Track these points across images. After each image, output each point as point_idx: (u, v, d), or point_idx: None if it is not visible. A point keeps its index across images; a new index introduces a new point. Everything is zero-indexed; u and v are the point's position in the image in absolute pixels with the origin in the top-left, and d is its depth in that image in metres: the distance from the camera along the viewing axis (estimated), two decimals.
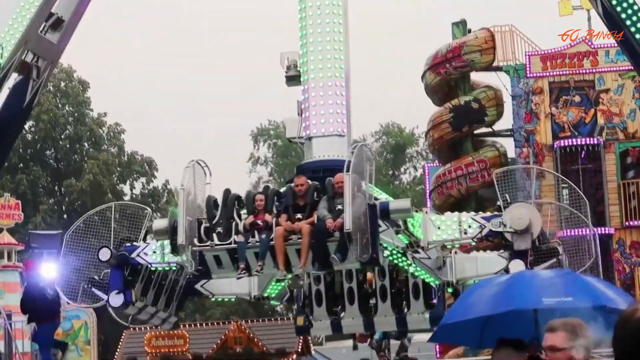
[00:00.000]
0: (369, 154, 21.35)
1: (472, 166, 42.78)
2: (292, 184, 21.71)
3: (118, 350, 53.86)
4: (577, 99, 43.88)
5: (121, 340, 55.55)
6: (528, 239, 21.24)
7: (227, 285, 25.33)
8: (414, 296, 22.80)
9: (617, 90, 43.37)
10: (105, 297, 22.27)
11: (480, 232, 21.86)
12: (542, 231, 22.12)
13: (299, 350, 51.02)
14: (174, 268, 23.25)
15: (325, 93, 22.27)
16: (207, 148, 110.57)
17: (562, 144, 42.77)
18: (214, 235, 20.80)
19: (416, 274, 23.05)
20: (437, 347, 41.41)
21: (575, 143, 42.77)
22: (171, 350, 52.18)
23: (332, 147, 22.07)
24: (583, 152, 42.82)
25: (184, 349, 51.76)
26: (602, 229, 39.94)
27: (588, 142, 42.87)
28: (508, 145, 45.35)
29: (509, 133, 45.43)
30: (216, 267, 21.07)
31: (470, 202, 42.03)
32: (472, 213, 23.51)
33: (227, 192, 21.75)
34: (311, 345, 49.91)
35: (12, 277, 50.60)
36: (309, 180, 21.12)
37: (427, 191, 47.20)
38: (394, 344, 38.89)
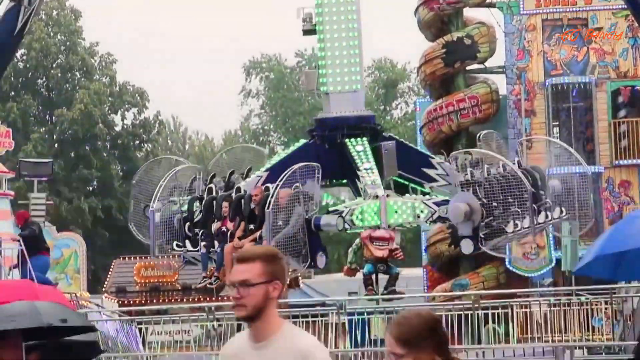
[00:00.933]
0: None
1: (464, 102, 42.82)
2: (250, 193, 23.37)
3: (107, 279, 54.01)
4: (569, 37, 43.90)
5: (110, 269, 55.69)
6: (469, 226, 22.27)
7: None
8: None
9: (611, 29, 43.38)
10: None
11: (432, 216, 23.63)
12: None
13: (287, 284, 51.30)
14: None
15: (341, 52, 23.08)
16: (200, 82, 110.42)
17: (554, 82, 42.82)
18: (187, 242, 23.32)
19: None
20: (425, 281, 41.70)
21: (567, 81, 42.82)
22: (160, 280, 52.27)
23: (348, 103, 23.01)
24: (574, 90, 42.88)
25: (173, 280, 51.92)
26: (592, 167, 40.15)
27: (580, 80, 42.93)
28: (500, 82, 45.41)
29: (501, 70, 45.46)
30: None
31: (461, 138, 42.23)
32: (426, 197, 24.58)
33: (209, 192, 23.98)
34: (300, 279, 50.19)
35: (3, 205, 50.61)
36: (263, 190, 22.85)
37: (418, 127, 47.26)
38: (382, 278, 39.06)
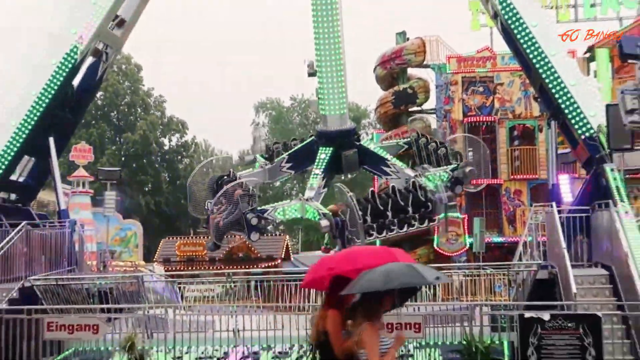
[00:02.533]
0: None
1: (406, 133, 42.85)
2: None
3: (157, 252, 53.84)
4: (480, 89, 43.93)
5: (159, 245, 55.47)
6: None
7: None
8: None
9: (509, 84, 43.44)
10: None
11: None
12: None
13: (282, 257, 51.04)
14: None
15: (333, 88, 22.99)
16: (223, 117, 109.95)
17: (469, 120, 43.05)
18: None
19: None
20: None
21: (478, 120, 43.04)
22: (193, 253, 52.18)
23: (338, 122, 23.08)
24: (484, 127, 43.06)
25: (203, 253, 51.68)
26: (495, 180, 40.36)
27: (487, 120, 43.16)
28: (432, 120, 45.56)
29: (433, 111, 45.77)
30: None
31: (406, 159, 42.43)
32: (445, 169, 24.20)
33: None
34: (291, 253, 49.91)
35: (84, 199, 50.94)
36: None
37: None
38: None
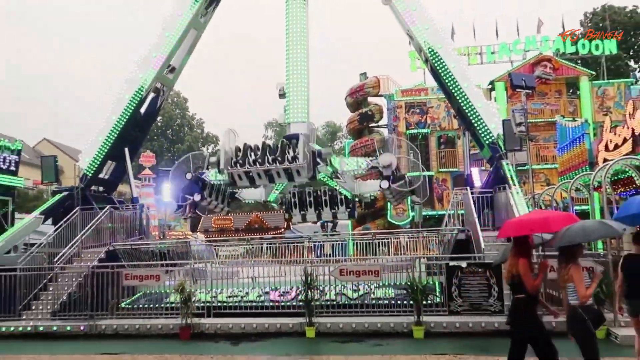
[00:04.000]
0: (313, 131, 22.04)
1: (368, 142, 42.81)
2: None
3: (199, 225, 53.67)
4: (417, 111, 43.83)
5: (200, 221, 55.30)
6: (389, 170, 20.98)
7: (250, 195, 24.94)
8: (340, 203, 22.17)
9: (437, 107, 43.38)
10: (191, 197, 21.94)
11: (367, 166, 21.73)
12: (397, 167, 21.86)
13: (285, 227, 50.99)
14: (221, 182, 22.77)
15: (298, 105, 22.18)
16: (241, 134, 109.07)
17: (410, 132, 42.91)
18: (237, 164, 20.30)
19: (341, 191, 22.65)
20: (350, 226, 41.43)
21: (416, 131, 42.93)
22: (224, 225, 52.17)
23: (299, 128, 21.51)
24: (420, 136, 42.95)
25: (230, 225, 51.70)
26: (428, 172, 40.28)
27: (423, 131, 43.03)
28: (385, 132, 45.45)
29: (386, 126, 45.52)
30: (239, 181, 20.56)
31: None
32: (366, 158, 22.93)
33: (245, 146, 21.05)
34: (291, 224, 49.79)
35: (149, 190, 50.60)
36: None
37: (347, 153, 47.21)
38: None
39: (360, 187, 23.49)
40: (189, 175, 22.14)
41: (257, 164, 19.95)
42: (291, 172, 19.89)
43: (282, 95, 23.38)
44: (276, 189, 24.31)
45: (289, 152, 19.89)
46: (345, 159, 23.07)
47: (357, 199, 23.60)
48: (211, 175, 22.83)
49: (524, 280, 8.21)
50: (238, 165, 20.04)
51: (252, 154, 20.25)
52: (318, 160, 20.42)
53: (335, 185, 23.90)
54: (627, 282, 9.88)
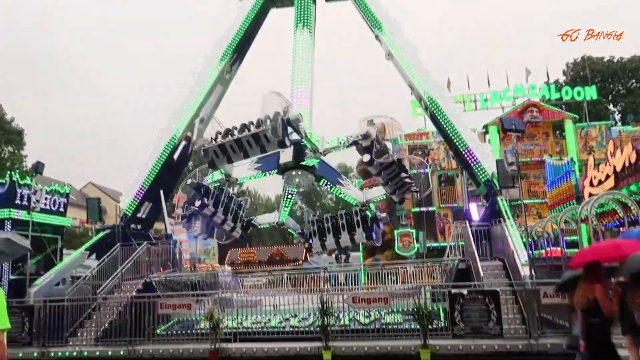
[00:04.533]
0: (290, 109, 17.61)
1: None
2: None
3: (226, 258, 53.57)
4: (420, 153, 43.80)
5: (227, 254, 55.20)
6: (368, 140, 18.19)
7: (265, 219, 24.20)
8: (357, 225, 20.30)
9: (437, 149, 43.34)
10: (193, 206, 19.66)
11: (348, 141, 18.66)
12: (379, 141, 18.92)
13: (303, 258, 50.75)
14: (217, 184, 21.19)
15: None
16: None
17: (415, 172, 42.82)
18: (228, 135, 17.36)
19: (363, 213, 20.66)
20: (361, 257, 41.07)
21: (419, 171, 42.80)
22: (248, 257, 52.00)
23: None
24: (422, 175, 42.84)
25: (254, 257, 51.53)
26: (430, 207, 40.04)
27: (425, 170, 42.93)
28: None
29: None
30: (217, 159, 17.65)
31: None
32: (347, 135, 19.16)
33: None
34: (307, 257, 49.59)
35: (181, 227, 50.21)
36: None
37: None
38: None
39: (367, 194, 22.86)
40: (189, 181, 20.46)
41: (230, 135, 17.33)
42: (260, 139, 16.80)
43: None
44: (286, 206, 22.98)
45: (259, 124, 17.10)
46: (326, 139, 19.48)
47: (379, 220, 21.24)
48: (208, 179, 21.54)
49: (601, 305, 7.82)
50: (214, 141, 17.59)
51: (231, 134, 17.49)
52: (289, 127, 17.07)
53: (340, 193, 22.21)
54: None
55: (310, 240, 21.22)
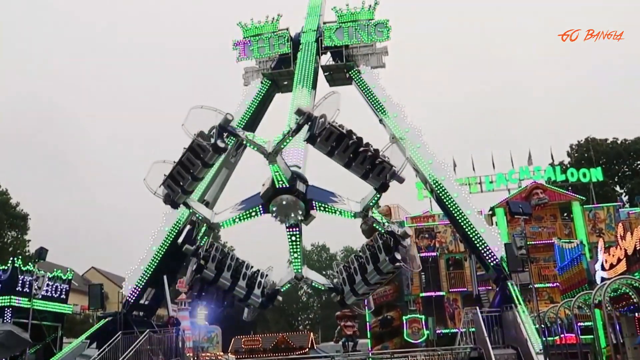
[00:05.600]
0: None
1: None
2: None
3: (230, 346, 52.36)
4: (427, 235, 43.68)
5: (231, 342, 54.08)
6: (304, 116, 14.90)
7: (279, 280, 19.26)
8: (379, 251, 17.58)
9: (444, 232, 43.21)
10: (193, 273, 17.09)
11: (291, 129, 15.27)
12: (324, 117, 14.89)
13: (309, 346, 49.64)
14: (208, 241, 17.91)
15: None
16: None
17: (422, 254, 42.39)
18: None
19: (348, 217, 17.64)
20: (370, 345, 39.99)
21: (427, 255, 42.28)
22: (253, 345, 50.92)
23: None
24: (430, 258, 42.37)
25: (259, 345, 50.46)
26: (439, 292, 39.45)
27: (432, 254, 42.57)
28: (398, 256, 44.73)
29: None
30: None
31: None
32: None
33: None
34: (314, 344, 48.51)
35: (185, 314, 48.78)
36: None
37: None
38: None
39: (362, 202, 17.74)
40: (184, 248, 18.27)
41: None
42: (196, 151, 15.54)
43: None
44: (294, 251, 18.46)
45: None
46: (273, 137, 15.88)
47: (398, 236, 17.54)
48: (198, 239, 19.81)
49: None
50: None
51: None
52: (224, 132, 15.47)
53: (335, 211, 17.65)
54: None
55: (343, 291, 18.08)
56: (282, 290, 18.89)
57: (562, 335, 24.75)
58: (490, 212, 43.02)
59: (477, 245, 22.10)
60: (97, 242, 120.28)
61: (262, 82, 28.86)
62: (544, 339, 16.74)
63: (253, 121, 27.39)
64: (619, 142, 63.81)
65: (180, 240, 25.88)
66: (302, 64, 26.40)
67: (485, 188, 44.97)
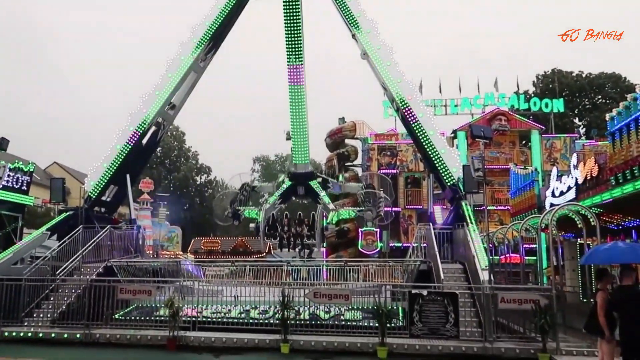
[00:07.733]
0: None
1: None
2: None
3: (190, 247, 53.15)
4: (388, 153, 44.09)
5: (191, 243, 54.75)
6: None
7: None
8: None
9: (406, 151, 43.70)
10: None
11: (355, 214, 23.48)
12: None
13: (267, 251, 50.64)
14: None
15: (301, 147, 24.13)
16: (233, 168, 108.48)
17: (381, 172, 42.89)
18: None
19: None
20: (324, 253, 41.10)
21: (387, 172, 42.91)
22: (212, 247, 51.67)
23: (303, 167, 24.24)
24: (390, 175, 42.94)
25: (218, 247, 51.22)
26: (397, 208, 40.21)
27: (392, 172, 43.11)
28: (359, 171, 45.38)
29: (360, 165, 45.55)
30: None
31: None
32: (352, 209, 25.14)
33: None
34: (271, 250, 49.53)
35: (147, 213, 49.73)
36: None
37: None
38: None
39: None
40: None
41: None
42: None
43: (288, 137, 25.80)
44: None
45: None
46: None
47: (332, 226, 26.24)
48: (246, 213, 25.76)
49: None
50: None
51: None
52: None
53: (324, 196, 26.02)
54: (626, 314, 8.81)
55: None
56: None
57: (507, 255, 25.79)
58: (452, 135, 43.52)
59: (437, 164, 22.42)
60: (60, 138, 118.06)
61: None
62: (490, 257, 17.40)
63: (225, 26, 26.53)
64: (583, 75, 64.30)
65: (145, 141, 25.61)
66: None
67: (450, 111, 45.27)
